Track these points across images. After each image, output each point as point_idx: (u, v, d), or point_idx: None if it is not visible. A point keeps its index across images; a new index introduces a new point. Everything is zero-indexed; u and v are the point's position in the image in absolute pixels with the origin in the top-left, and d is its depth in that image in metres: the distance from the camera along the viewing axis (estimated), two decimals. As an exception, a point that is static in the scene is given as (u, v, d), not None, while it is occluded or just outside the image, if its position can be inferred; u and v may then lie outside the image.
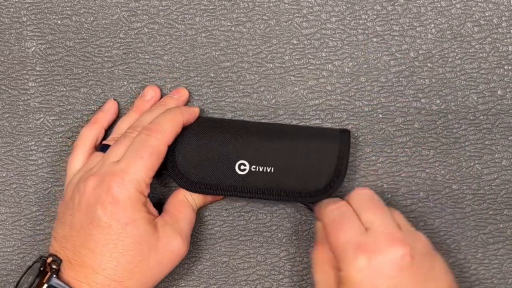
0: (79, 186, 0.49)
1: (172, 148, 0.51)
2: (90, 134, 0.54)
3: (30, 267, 0.50)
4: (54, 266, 0.48)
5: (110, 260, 0.48)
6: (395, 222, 0.47)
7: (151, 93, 0.54)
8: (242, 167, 0.51)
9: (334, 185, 0.51)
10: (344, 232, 0.46)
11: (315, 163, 0.51)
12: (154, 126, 0.50)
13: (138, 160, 0.48)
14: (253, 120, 0.55)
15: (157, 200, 0.55)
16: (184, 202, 0.52)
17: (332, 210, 0.49)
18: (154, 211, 0.51)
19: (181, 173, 0.51)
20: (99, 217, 0.48)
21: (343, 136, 0.52)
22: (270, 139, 0.52)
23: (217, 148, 0.52)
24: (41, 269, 0.49)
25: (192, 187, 0.52)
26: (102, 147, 0.53)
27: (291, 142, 0.52)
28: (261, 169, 0.51)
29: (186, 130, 0.52)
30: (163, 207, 0.53)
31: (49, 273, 0.48)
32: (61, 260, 0.48)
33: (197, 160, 0.52)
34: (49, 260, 0.49)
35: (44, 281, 0.48)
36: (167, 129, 0.50)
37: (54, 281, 0.48)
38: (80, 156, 0.53)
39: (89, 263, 0.48)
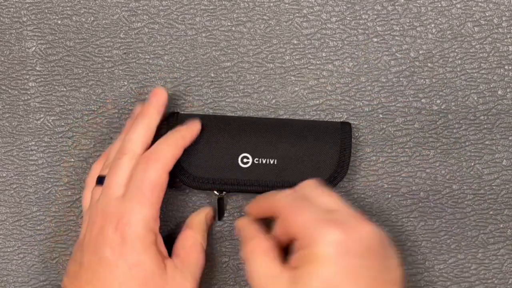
0: (88, 226, 0.49)
1: None
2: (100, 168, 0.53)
3: None
4: None
5: None
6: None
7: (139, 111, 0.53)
8: (245, 160, 0.51)
9: (338, 176, 0.51)
10: (309, 210, 0.44)
11: (318, 154, 0.51)
12: (153, 155, 0.49)
13: (141, 197, 0.48)
14: (253, 120, 0.55)
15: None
16: (195, 246, 0.51)
17: (286, 195, 0.47)
18: (164, 251, 0.49)
19: (184, 169, 0.51)
20: (107, 257, 0.47)
21: (344, 128, 0.52)
22: (273, 132, 0.52)
23: (220, 142, 0.52)
24: None
25: (195, 183, 0.51)
26: (99, 180, 0.51)
27: (294, 134, 0.52)
28: (264, 162, 0.51)
29: None
30: (172, 249, 0.51)
31: None
32: None
33: (200, 155, 0.51)
34: None
35: None
36: (167, 156, 0.49)
37: None
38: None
39: None
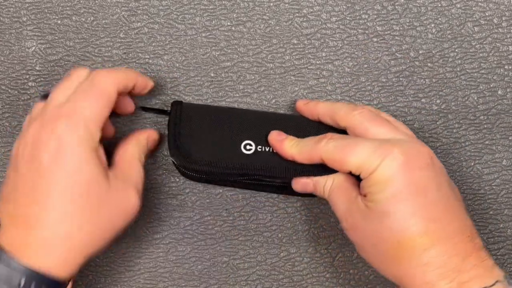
0: (20, 136, 0.45)
1: (176, 130, 0.51)
2: None
3: None
4: None
5: (55, 211, 0.43)
6: None
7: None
8: (248, 147, 0.51)
9: None
10: (362, 143, 0.45)
11: None
12: (104, 70, 0.47)
13: (86, 101, 0.45)
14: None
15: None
16: (134, 159, 0.49)
17: (330, 142, 0.47)
18: (105, 162, 0.46)
19: (185, 153, 0.50)
20: (44, 165, 0.43)
21: None
22: (276, 122, 0.52)
23: (223, 129, 0.51)
24: None
25: (196, 165, 0.50)
26: (43, 96, 0.49)
27: (297, 126, 0.51)
28: (267, 150, 0.51)
29: (190, 113, 0.51)
30: (112, 161, 0.49)
31: None
32: None
33: (202, 141, 0.51)
34: None
35: None
36: (118, 74, 0.47)
37: None
38: None
39: (33, 216, 0.43)
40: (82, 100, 0.45)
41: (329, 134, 0.48)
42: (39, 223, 0.43)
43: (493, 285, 0.42)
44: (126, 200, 0.46)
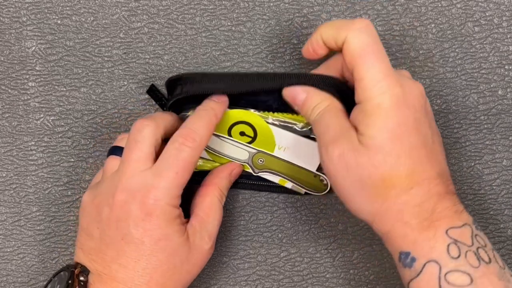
0: (105, 198, 0.47)
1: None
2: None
3: (55, 275, 0.48)
4: (82, 278, 0.47)
5: (143, 275, 0.46)
6: None
7: None
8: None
9: None
10: (378, 63, 0.44)
11: None
12: (190, 132, 0.47)
13: (173, 175, 0.46)
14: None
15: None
16: (214, 204, 0.50)
17: (359, 34, 0.45)
18: (184, 220, 0.49)
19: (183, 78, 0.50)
20: (131, 233, 0.46)
21: None
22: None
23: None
24: (69, 281, 0.47)
25: (195, 87, 0.50)
26: (113, 150, 0.50)
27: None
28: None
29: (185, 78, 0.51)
30: (191, 208, 0.50)
31: (77, 287, 0.46)
32: (89, 271, 0.47)
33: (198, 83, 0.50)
34: (77, 271, 0.47)
35: None
36: (202, 136, 0.47)
37: None
38: None
39: (121, 278, 0.46)
40: (168, 176, 0.46)
41: (365, 27, 0.45)
42: (127, 284, 0.46)
43: (461, 226, 0.43)
44: (202, 252, 0.49)
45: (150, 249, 0.46)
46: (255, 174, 0.53)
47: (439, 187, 0.44)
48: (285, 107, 0.50)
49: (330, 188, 0.53)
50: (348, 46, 0.45)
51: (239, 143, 0.52)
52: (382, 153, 0.43)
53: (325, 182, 0.53)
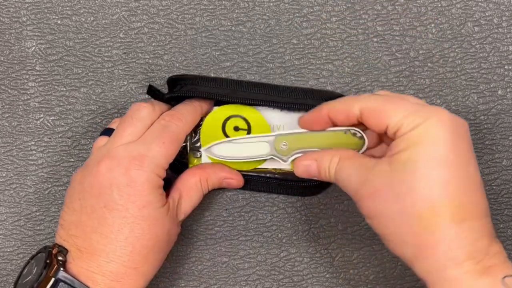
0: (89, 169, 0.47)
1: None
2: None
3: (33, 257, 0.47)
4: (60, 258, 0.45)
5: (125, 245, 0.45)
6: None
7: None
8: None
9: None
10: (407, 102, 0.42)
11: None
12: (176, 113, 0.49)
13: (159, 145, 0.47)
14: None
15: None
16: (196, 186, 0.51)
17: (373, 96, 0.45)
18: (164, 195, 0.48)
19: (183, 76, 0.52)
20: (115, 199, 0.45)
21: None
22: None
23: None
24: (47, 261, 0.45)
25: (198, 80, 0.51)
26: (105, 131, 0.51)
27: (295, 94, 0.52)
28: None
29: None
30: (175, 181, 0.51)
31: (55, 266, 0.45)
32: (67, 251, 0.46)
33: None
34: (55, 251, 0.46)
35: (51, 274, 0.44)
36: (188, 119, 0.49)
37: (62, 274, 0.44)
38: None
39: (102, 250, 0.45)
40: (155, 145, 0.47)
41: (370, 94, 0.46)
42: (109, 257, 0.45)
43: None
44: (176, 227, 0.50)
45: (133, 216, 0.45)
46: (286, 162, 0.50)
47: (489, 225, 0.40)
48: (289, 127, 0.51)
49: (324, 184, 0.52)
50: (367, 107, 0.43)
51: (252, 137, 0.50)
52: (425, 180, 0.39)
53: (358, 134, 0.47)
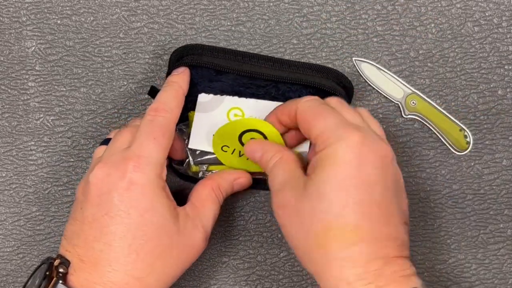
0: (87, 178, 0.46)
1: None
2: None
3: (37, 269, 0.46)
4: (61, 270, 0.44)
5: (129, 253, 0.43)
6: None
7: None
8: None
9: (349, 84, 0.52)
10: (332, 116, 0.44)
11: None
12: (159, 105, 0.47)
13: (151, 141, 0.45)
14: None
15: (176, 188, 0.55)
16: (211, 196, 0.49)
17: (310, 100, 0.46)
18: (173, 199, 0.47)
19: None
20: (116, 205, 0.44)
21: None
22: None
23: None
24: (47, 273, 0.44)
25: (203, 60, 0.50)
26: (104, 142, 0.51)
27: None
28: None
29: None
30: (188, 197, 0.50)
31: (54, 279, 0.43)
32: (69, 263, 0.44)
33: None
34: (56, 262, 0.45)
35: (50, 287, 0.43)
36: (172, 107, 0.48)
37: (61, 287, 0.43)
38: None
39: (105, 259, 0.43)
40: (147, 142, 0.46)
41: (315, 96, 0.47)
42: (112, 266, 0.44)
43: None
44: (194, 241, 0.47)
45: (136, 221, 0.44)
46: (405, 116, 0.53)
47: (388, 250, 0.41)
48: (284, 97, 0.50)
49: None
50: (301, 111, 0.45)
51: (395, 77, 0.53)
52: (328, 200, 0.41)
53: (468, 139, 0.53)
